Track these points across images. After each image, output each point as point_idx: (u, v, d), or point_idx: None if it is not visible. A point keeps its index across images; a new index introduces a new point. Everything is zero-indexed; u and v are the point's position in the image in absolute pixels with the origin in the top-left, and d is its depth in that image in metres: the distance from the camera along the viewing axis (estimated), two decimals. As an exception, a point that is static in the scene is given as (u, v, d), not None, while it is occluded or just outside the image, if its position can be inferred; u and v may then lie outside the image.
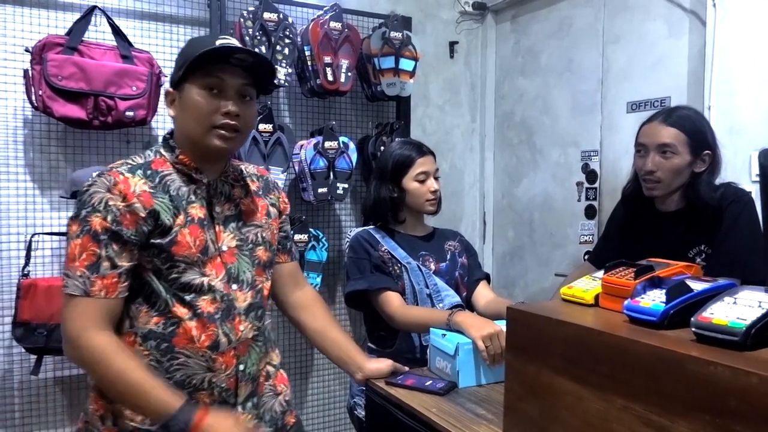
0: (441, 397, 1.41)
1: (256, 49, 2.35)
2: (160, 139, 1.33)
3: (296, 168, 2.55)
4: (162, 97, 2.30)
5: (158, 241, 1.20)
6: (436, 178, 1.90)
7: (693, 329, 0.85)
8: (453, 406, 1.36)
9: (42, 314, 2.06)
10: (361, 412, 1.79)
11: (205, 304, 1.24)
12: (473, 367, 1.49)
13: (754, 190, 1.99)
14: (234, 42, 1.27)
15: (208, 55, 1.21)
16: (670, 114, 1.66)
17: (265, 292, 1.38)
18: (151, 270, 1.22)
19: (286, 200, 1.51)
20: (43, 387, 2.29)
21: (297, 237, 2.48)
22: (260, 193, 1.42)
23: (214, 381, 1.26)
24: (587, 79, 2.71)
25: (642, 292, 1.01)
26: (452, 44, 3.18)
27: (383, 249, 1.84)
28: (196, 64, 1.22)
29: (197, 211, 1.26)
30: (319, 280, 2.54)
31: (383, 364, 1.52)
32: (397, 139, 2.38)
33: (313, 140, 2.52)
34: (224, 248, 1.29)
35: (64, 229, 2.27)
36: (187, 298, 1.23)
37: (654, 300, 0.96)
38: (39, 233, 2.22)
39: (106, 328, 1.18)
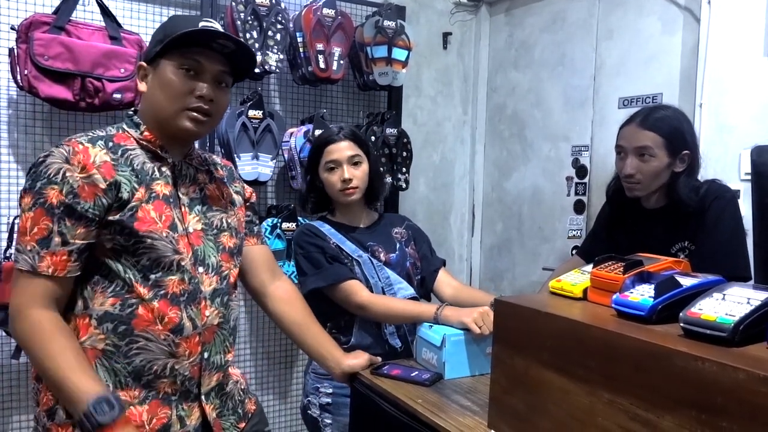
0: (426, 387, 1.41)
1: (248, 34, 2.33)
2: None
3: (285, 156, 2.53)
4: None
5: (116, 217, 1.14)
6: (355, 164, 1.74)
7: (681, 324, 0.85)
8: (438, 397, 1.35)
9: (24, 297, 2.02)
10: (315, 411, 1.74)
11: (171, 284, 1.19)
12: (459, 359, 1.49)
13: (743, 188, 2.00)
14: (218, 27, 1.23)
15: (189, 36, 1.17)
16: (648, 116, 1.64)
17: (232, 279, 1.33)
18: (112, 250, 1.16)
19: (251, 189, 1.48)
20: (24, 371, 2.26)
21: (285, 225, 2.47)
22: (225, 180, 1.39)
23: (177, 368, 1.20)
24: (580, 74, 2.71)
25: (631, 286, 1.01)
26: (446, 35, 3.16)
27: (332, 243, 1.74)
28: (176, 44, 1.18)
29: (162, 188, 1.22)
30: (306, 269, 2.52)
31: (361, 359, 1.50)
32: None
33: (304, 128, 2.50)
34: (191, 230, 1.25)
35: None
36: (153, 276, 1.18)
37: (643, 295, 0.96)
38: (22, 215, 2.19)
39: (49, 306, 1.13)
